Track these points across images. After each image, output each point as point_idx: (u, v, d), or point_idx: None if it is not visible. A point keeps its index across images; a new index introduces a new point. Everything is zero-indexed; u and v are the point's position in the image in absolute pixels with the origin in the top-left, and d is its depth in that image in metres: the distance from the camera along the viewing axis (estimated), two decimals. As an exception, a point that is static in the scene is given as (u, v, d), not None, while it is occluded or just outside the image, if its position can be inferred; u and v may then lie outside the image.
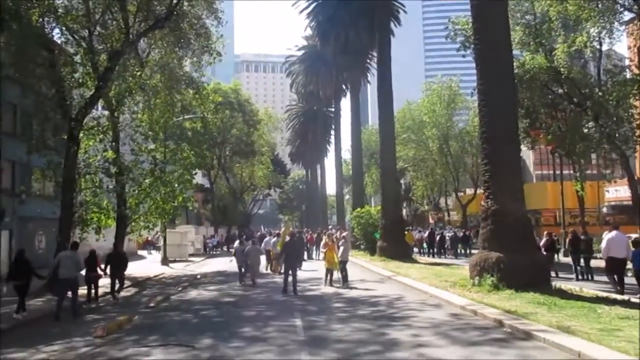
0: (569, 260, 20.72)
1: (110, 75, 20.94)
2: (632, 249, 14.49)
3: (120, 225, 24.08)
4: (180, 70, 27.42)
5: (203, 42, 25.12)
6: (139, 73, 22.71)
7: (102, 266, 17.21)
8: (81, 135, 20.67)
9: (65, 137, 19.94)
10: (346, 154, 63.11)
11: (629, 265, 14.81)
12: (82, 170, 21.78)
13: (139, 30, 23.00)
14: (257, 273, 19.89)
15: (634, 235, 16.24)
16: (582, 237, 20.04)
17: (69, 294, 14.09)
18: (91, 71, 21.52)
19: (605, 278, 16.10)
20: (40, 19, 19.60)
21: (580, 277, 19.12)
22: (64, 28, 20.67)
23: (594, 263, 19.78)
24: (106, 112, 24.40)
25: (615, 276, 15.07)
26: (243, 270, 20.53)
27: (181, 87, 27.79)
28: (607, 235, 15.38)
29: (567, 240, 20.52)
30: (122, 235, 23.92)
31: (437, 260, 30.46)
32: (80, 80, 21.08)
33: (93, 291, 16.60)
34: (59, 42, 22.03)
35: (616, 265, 14.92)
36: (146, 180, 24.07)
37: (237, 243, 22.52)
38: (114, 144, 23.68)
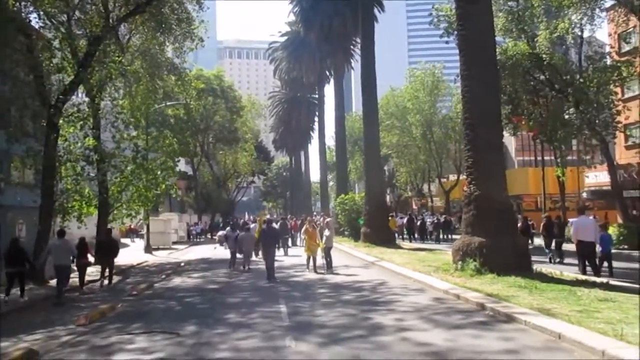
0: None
1: (90, 61, 20.56)
2: (601, 233, 15.39)
3: (102, 213, 23.83)
4: (162, 56, 27.08)
5: (185, 28, 24.81)
6: (119, 59, 22.35)
7: (93, 252, 17.25)
8: (61, 122, 20.31)
9: (45, 124, 19.59)
10: (330, 141, 63.03)
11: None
12: (63, 158, 21.46)
13: (119, 15, 22.62)
14: (250, 259, 20.26)
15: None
16: (556, 221, 20.58)
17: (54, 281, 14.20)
18: (70, 57, 21.14)
19: (576, 261, 16.44)
20: (17, 3, 19.14)
21: (553, 260, 19.55)
22: (41, 12, 20.20)
23: (565, 247, 20.27)
24: (86, 99, 24.03)
25: (588, 260, 15.44)
26: (233, 256, 20.96)
27: (163, 73, 27.49)
28: (574, 220, 15.77)
29: (542, 224, 21.03)
30: (104, 224, 23.69)
31: (420, 245, 30.67)
32: (59, 66, 20.67)
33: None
34: (36, 26, 21.55)
35: (585, 248, 15.27)
36: (128, 168, 23.82)
37: (224, 230, 22.73)
38: (94, 131, 23.34)
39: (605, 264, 15.59)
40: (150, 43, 25.39)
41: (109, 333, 9.94)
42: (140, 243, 37.77)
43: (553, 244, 20.23)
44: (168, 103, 31.80)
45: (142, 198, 24.64)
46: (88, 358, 8.40)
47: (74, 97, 22.81)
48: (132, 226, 44.00)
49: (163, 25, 23.96)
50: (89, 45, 20.83)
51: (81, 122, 22.11)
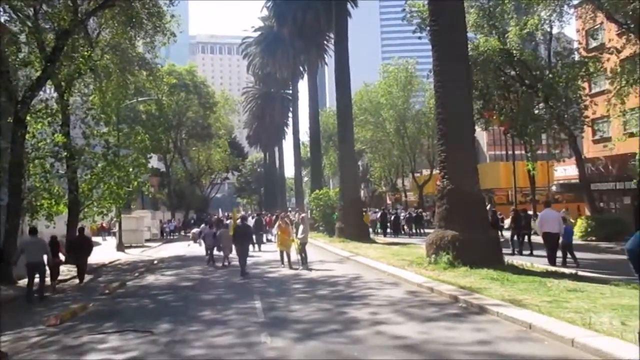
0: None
1: (58, 56, 20.06)
2: (564, 225, 16.21)
3: (72, 211, 23.37)
4: (133, 51, 26.66)
5: (156, 22, 24.40)
6: (88, 54, 21.88)
7: (64, 251, 17.00)
8: (28, 118, 19.80)
9: (11, 120, 19.08)
10: (304, 136, 63.11)
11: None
12: (31, 155, 20.94)
13: (87, 8, 22.11)
14: (229, 255, 20.31)
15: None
16: (522, 215, 21.18)
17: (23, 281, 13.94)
18: (38, 51, 20.61)
19: (543, 252, 16.96)
20: (-20, -4, 18.58)
21: (523, 252, 19.99)
22: (6, 6, 19.64)
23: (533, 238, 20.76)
24: (55, 94, 23.49)
25: (552, 251, 16.07)
26: (212, 252, 21.02)
27: (134, 68, 27.04)
28: (540, 213, 16.33)
29: (510, 218, 21.58)
30: (75, 222, 23.25)
31: (394, 239, 30.94)
32: (26, 60, 20.11)
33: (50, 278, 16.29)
34: (1, 20, 20.94)
35: (551, 239, 15.96)
36: (99, 165, 23.38)
37: (198, 227, 22.60)
38: (63, 127, 22.83)
39: (569, 255, 16.17)
40: (121, 37, 24.90)
41: (81, 333, 9.76)
42: (112, 241, 37.19)
43: (520, 236, 20.77)
44: (139, 99, 31.36)
45: (113, 195, 24.19)
46: (59, 358, 8.22)
47: (42, 92, 22.24)
48: (104, 224, 43.29)
49: (133, 20, 23.51)
50: (57, 40, 20.29)
51: (50, 118, 21.55)
